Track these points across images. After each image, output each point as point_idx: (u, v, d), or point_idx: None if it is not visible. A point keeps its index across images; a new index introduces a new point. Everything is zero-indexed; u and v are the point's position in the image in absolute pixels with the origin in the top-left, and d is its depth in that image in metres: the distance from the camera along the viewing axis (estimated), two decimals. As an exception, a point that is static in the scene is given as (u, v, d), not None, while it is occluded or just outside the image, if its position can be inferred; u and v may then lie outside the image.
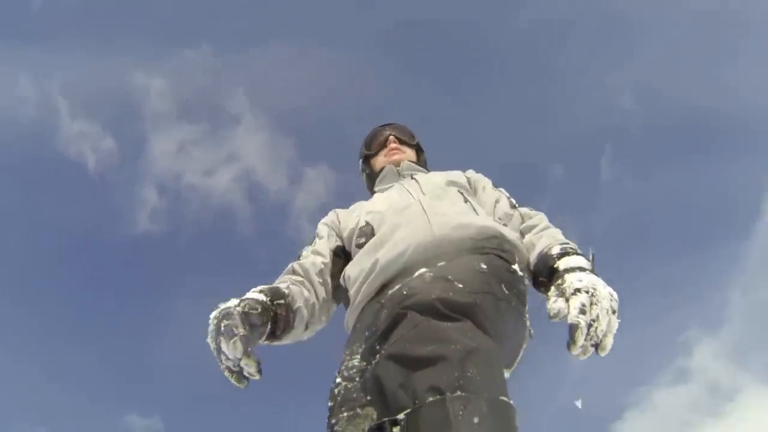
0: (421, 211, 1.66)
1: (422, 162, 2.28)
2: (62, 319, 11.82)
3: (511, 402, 1.14)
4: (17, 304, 11.01)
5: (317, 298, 1.76)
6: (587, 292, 1.30)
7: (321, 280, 1.79)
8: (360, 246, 1.72)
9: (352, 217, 1.91)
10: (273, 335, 1.56)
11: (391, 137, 2.21)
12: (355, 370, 1.39)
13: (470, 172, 2.08)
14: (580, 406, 1.49)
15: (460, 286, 1.36)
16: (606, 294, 1.31)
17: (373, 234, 1.71)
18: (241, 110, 14.08)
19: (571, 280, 1.37)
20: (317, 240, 1.92)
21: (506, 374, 1.43)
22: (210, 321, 1.42)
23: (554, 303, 1.33)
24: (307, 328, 1.72)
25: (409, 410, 1.10)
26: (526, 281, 1.62)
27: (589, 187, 13.53)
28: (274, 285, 1.66)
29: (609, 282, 1.40)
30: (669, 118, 12.78)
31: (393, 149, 2.19)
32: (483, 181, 2.01)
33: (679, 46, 12.32)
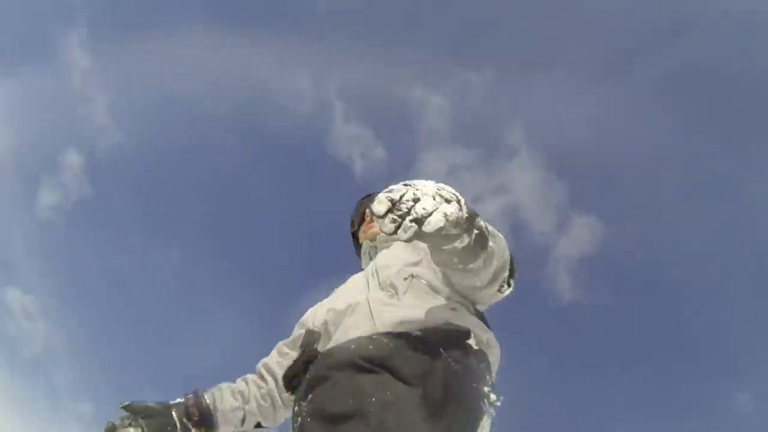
0: (368, 311, 1.60)
1: None
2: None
3: None
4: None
5: (270, 393, 1.79)
6: (405, 184, 1.17)
7: (273, 378, 1.81)
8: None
9: (319, 312, 1.82)
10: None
11: (368, 211, 2.14)
12: None
13: None
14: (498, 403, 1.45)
15: (385, 340, 1.42)
16: (428, 183, 1.19)
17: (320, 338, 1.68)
18: (518, 142, 13.55)
19: None
20: (288, 339, 1.88)
21: None
22: None
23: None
24: (264, 416, 1.79)
25: None
26: (492, 357, 1.57)
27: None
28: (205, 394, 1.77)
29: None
30: None
31: (369, 223, 2.16)
32: None
33: None
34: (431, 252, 1.45)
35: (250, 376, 1.84)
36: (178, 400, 1.70)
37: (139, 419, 1.61)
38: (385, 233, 1.11)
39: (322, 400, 1.34)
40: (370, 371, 1.32)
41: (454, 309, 1.61)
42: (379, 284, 1.72)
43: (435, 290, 1.66)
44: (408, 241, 1.11)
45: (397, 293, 1.65)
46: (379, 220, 1.11)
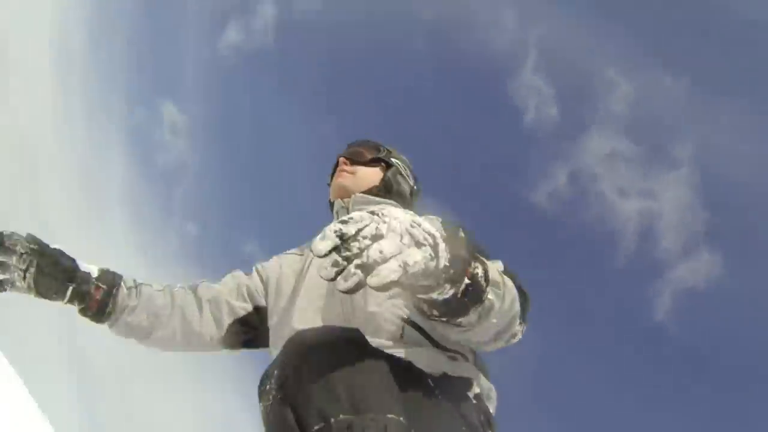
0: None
1: (389, 180, 1.77)
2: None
3: (402, 419, 1.08)
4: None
5: (198, 337, 1.55)
6: (371, 212, 0.90)
7: (215, 324, 1.57)
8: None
9: (283, 292, 1.56)
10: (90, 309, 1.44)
11: (342, 159, 1.78)
12: None
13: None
14: None
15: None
16: (400, 214, 0.91)
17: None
18: (683, 158, 13.90)
19: None
20: (248, 280, 1.65)
21: None
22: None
23: None
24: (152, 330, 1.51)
25: None
26: (492, 410, 1.35)
27: None
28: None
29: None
30: None
31: (339, 171, 1.75)
32: None
33: None
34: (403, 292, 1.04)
35: (180, 299, 1.56)
36: (88, 272, 1.43)
37: (35, 262, 1.34)
38: (322, 278, 0.84)
39: (285, 380, 1.14)
40: (336, 347, 1.13)
41: (453, 359, 1.35)
42: (356, 318, 1.38)
43: (430, 340, 1.35)
44: (349, 293, 0.84)
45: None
46: (318, 260, 0.84)
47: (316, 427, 1.03)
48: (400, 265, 0.84)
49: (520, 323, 1.22)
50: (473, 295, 1.01)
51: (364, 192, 1.71)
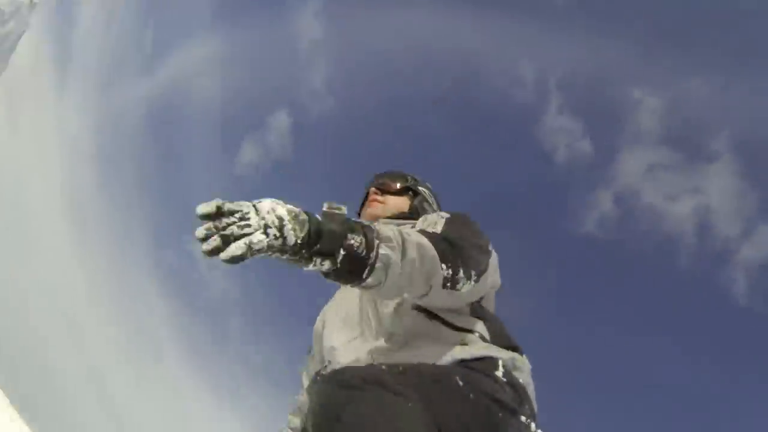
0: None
1: (416, 207, 1.87)
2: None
3: None
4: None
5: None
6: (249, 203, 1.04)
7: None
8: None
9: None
10: None
11: (372, 189, 1.87)
12: None
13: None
14: None
15: (384, 367, 1.27)
16: (270, 206, 1.03)
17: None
18: (721, 150, 14.26)
19: None
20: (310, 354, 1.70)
21: None
22: None
23: None
24: None
25: None
26: (520, 378, 1.38)
27: None
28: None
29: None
30: None
31: (371, 201, 1.85)
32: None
33: None
34: None
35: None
36: None
37: None
38: (196, 236, 0.98)
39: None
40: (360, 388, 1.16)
41: (464, 343, 1.38)
42: (379, 321, 1.43)
43: (436, 317, 1.41)
44: (209, 255, 0.98)
45: (400, 339, 1.38)
46: (197, 223, 0.99)
47: None
48: (245, 243, 0.99)
49: (447, 267, 1.25)
50: (355, 262, 1.11)
51: (391, 218, 1.79)
